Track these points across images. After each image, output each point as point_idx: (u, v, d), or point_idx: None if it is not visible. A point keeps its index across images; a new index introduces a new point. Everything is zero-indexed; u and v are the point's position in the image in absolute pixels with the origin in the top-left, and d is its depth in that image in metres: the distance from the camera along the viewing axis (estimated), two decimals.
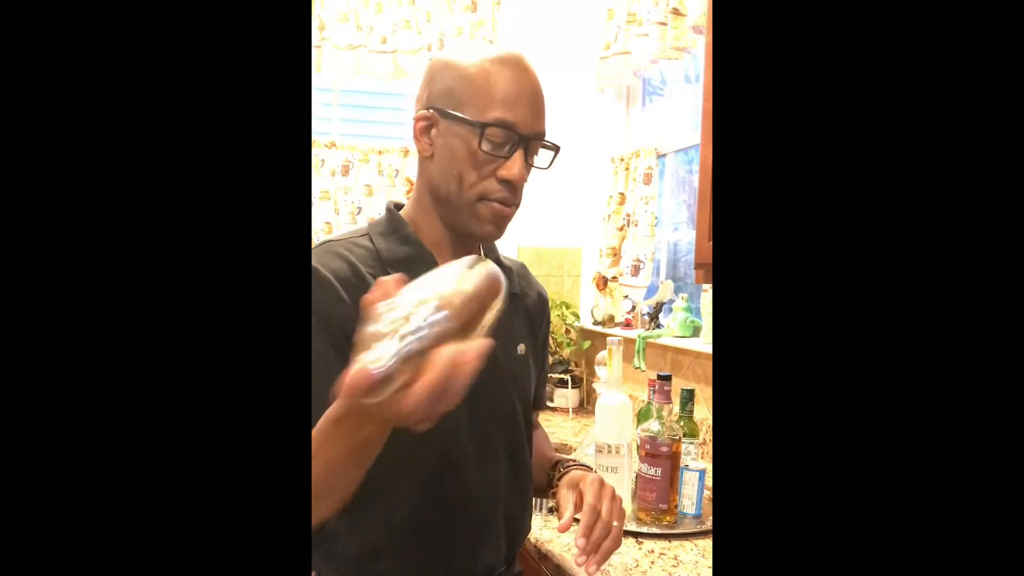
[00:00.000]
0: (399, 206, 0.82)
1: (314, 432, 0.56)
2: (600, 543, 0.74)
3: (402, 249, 0.77)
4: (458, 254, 0.75)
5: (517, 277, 0.90)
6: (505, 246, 2.76)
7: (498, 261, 0.86)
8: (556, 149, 0.78)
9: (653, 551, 1.09)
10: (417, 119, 0.76)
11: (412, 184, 2.15)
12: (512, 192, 0.75)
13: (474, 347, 0.45)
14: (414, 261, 0.75)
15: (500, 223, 0.76)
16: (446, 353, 0.44)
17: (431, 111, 0.75)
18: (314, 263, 0.71)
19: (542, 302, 0.94)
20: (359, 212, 2.14)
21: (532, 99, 0.74)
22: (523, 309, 0.89)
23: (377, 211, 2.14)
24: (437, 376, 0.43)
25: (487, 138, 0.72)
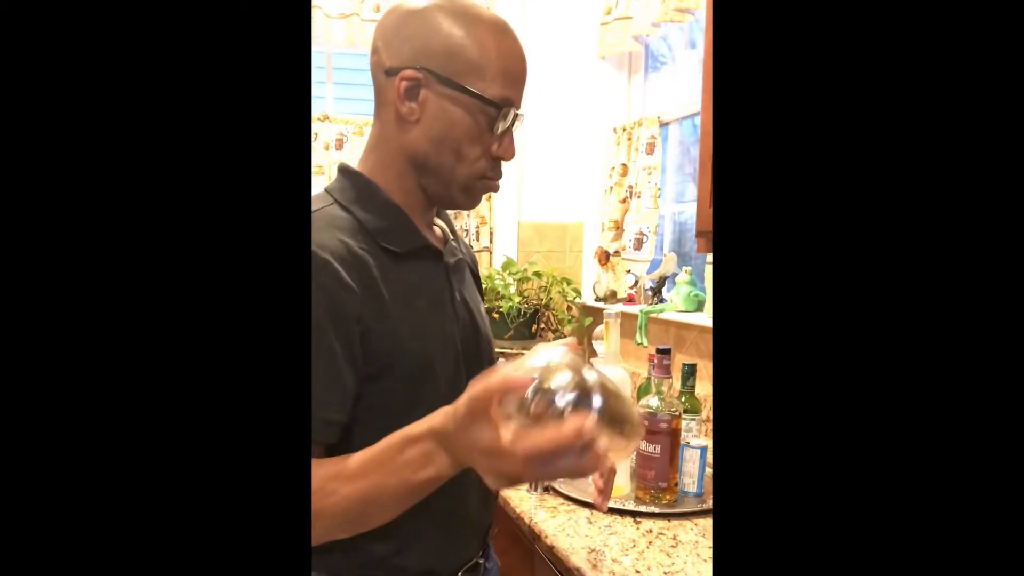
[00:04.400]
0: (350, 169, 0.74)
1: (375, 456, 0.58)
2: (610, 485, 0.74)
3: (385, 219, 0.71)
4: (426, 219, 0.76)
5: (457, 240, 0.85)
6: (505, 221, 2.70)
7: (452, 230, 0.84)
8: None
9: (652, 531, 1.04)
10: (403, 77, 0.68)
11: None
12: (500, 170, 0.74)
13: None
14: (400, 231, 0.71)
15: (480, 196, 0.76)
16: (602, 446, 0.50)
17: (421, 72, 0.68)
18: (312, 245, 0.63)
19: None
20: None
21: (524, 75, 0.72)
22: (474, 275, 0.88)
23: None
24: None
25: (487, 115, 0.69)
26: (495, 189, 0.75)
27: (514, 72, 0.70)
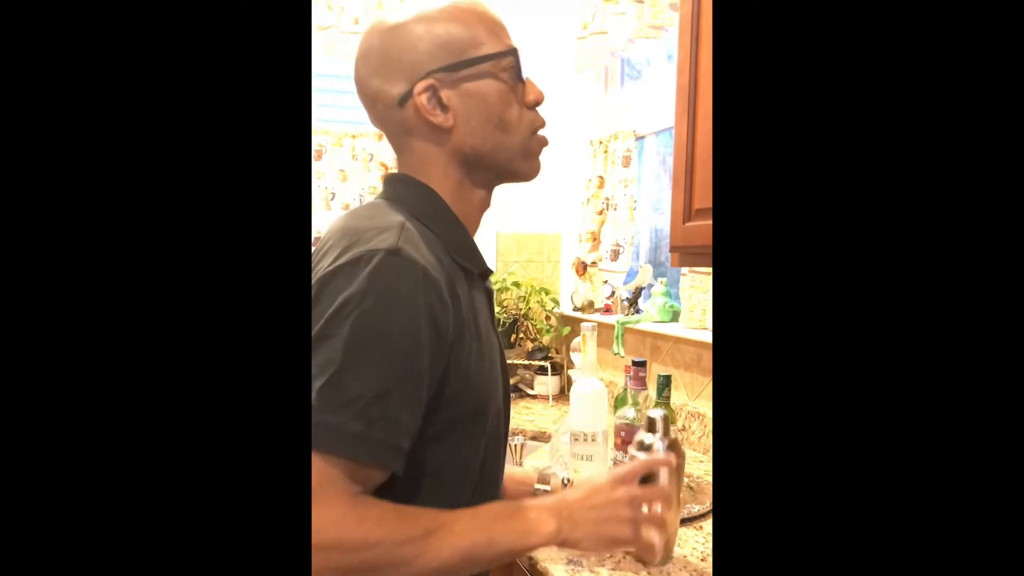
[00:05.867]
0: (414, 180, 0.70)
1: (481, 517, 0.61)
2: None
3: (459, 236, 0.69)
4: (474, 234, 0.74)
5: None
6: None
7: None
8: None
9: None
10: (418, 93, 0.66)
11: (387, 169, 2.11)
12: (541, 118, 0.72)
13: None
14: (472, 250, 0.70)
15: (540, 155, 0.73)
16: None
17: (431, 77, 0.66)
18: (411, 253, 0.59)
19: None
20: (333, 198, 2.09)
21: (501, 22, 0.71)
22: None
23: (352, 197, 2.09)
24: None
25: (507, 69, 0.68)
26: (547, 141, 0.72)
27: (496, 23, 0.70)
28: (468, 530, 0.60)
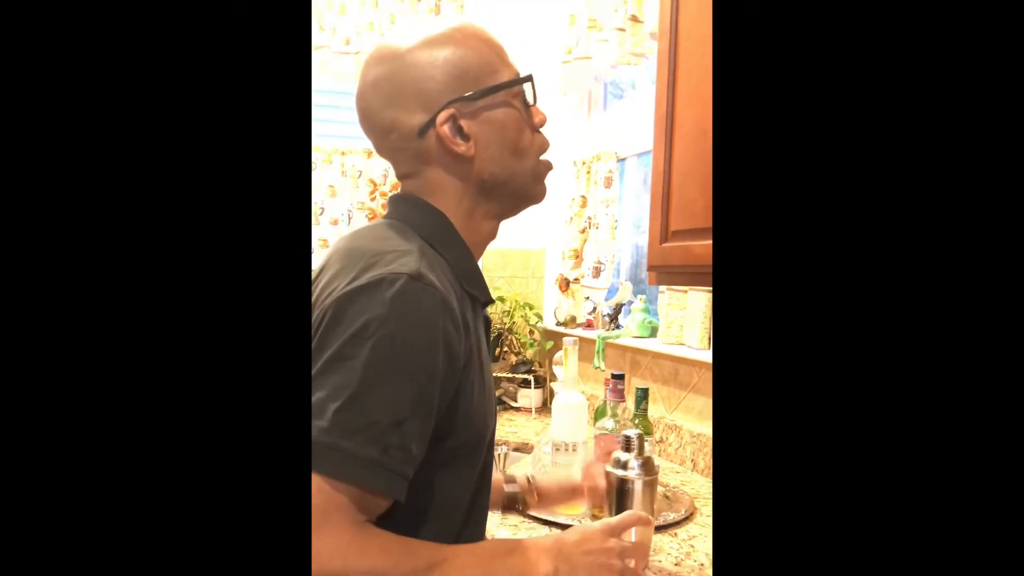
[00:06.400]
0: (427, 204, 0.70)
1: (479, 554, 0.63)
2: None
3: (468, 263, 0.70)
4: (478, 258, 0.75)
5: None
6: None
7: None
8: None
9: None
10: (441, 123, 0.66)
11: (376, 186, 2.16)
12: (545, 139, 0.74)
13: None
14: (478, 277, 0.71)
15: (546, 178, 0.75)
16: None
17: (451, 106, 0.66)
18: (432, 279, 0.59)
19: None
20: (322, 212, 2.14)
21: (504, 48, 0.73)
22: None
23: (341, 212, 2.14)
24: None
25: (519, 96, 0.70)
26: (551, 165, 0.75)
27: (501, 47, 0.71)
28: (468, 566, 0.61)
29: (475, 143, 0.67)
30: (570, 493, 0.99)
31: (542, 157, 0.74)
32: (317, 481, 0.54)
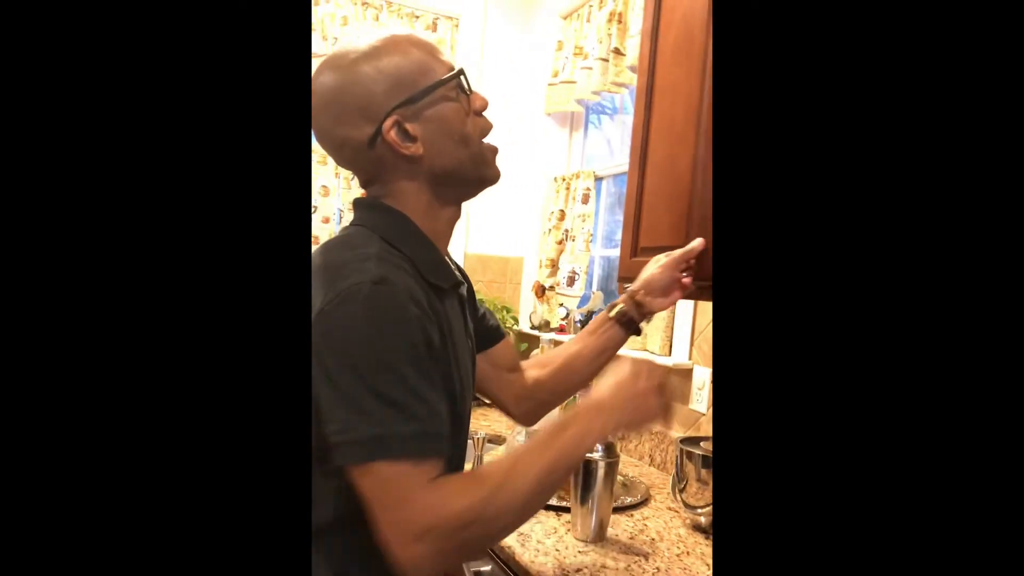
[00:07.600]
0: (385, 205, 0.74)
1: (538, 445, 0.67)
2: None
3: (429, 255, 0.73)
4: (445, 249, 0.79)
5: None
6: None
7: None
8: None
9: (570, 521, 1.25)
10: (387, 130, 0.70)
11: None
12: (488, 122, 0.77)
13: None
14: (441, 267, 0.74)
15: (495, 160, 0.78)
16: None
17: (394, 112, 0.70)
18: (393, 279, 0.64)
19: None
20: (315, 211, 2.25)
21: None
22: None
23: (332, 211, 2.25)
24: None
25: (457, 89, 0.73)
26: (497, 149, 0.78)
27: (432, 46, 0.74)
28: (537, 457, 0.66)
29: (422, 142, 0.71)
30: (669, 285, 1.02)
31: (486, 140, 0.77)
32: (377, 471, 0.61)
